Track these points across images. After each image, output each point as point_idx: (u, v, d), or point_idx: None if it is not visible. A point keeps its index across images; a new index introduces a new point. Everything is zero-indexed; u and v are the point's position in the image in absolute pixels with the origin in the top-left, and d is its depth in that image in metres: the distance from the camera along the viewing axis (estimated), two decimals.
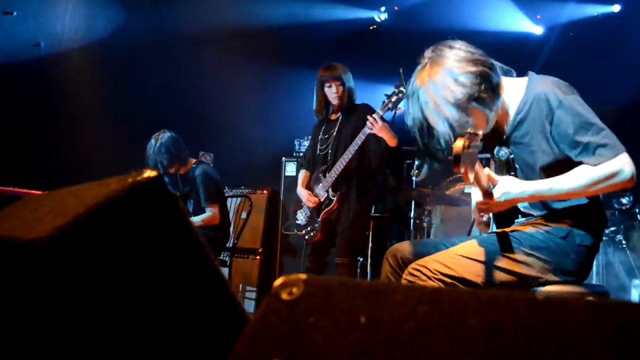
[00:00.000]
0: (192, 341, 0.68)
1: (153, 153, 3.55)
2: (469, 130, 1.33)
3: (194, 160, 3.79)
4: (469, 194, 3.81)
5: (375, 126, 2.88)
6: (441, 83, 1.57)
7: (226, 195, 3.98)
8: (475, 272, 1.59)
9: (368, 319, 0.50)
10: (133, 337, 0.64)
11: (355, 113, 3.14)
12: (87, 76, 4.64)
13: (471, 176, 1.35)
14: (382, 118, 2.88)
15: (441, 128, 1.57)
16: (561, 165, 1.59)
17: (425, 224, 3.69)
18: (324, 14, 5.62)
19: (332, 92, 3.11)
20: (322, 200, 3.12)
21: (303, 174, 3.33)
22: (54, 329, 0.60)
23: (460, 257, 1.61)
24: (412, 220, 3.55)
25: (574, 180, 1.53)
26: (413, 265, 1.62)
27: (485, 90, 1.55)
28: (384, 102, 2.96)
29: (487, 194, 1.58)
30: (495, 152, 1.75)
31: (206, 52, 4.98)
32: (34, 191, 3.22)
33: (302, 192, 3.21)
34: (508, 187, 1.57)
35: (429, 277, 1.57)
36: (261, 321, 0.52)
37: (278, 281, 0.54)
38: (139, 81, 4.56)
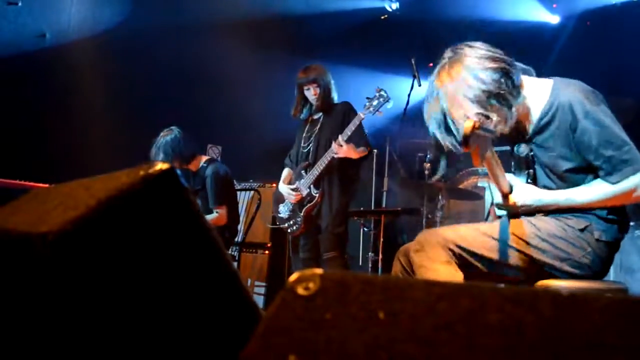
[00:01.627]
0: (205, 337, 0.67)
1: (155, 150, 3.59)
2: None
3: (204, 158, 3.78)
4: (483, 187, 3.78)
5: (340, 151, 3.05)
6: (461, 81, 1.58)
7: (235, 189, 3.97)
8: (489, 249, 1.63)
9: (387, 314, 0.49)
10: (145, 332, 0.63)
11: (334, 112, 3.28)
12: (93, 67, 4.62)
13: (482, 161, 1.38)
14: (345, 142, 3.03)
15: (461, 126, 1.57)
16: (582, 171, 1.63)
17: (437, 219, 3.66)
18: (335, 4, 5.58)
19: (310, 95, 3.26)
20: (304, 195, 3.24)
21: (286, 172, 3.48)
22: (65, 325, 0.59)
23: (477, 231, 1.66)
24: (424, 215, 3.53)
25: (592, 194, 1.60)
26: (429, 231, 1.69)
27: (506, 87, 1.56)
28: (365, 104, 3.09)
29: (506, 196, 1.64)
30: (515, 148, 1.77)
31: (214, 43, 4.95)
32: (40, 184, 3.22)
33: (284, 188, 3.36)
34: (526, 194, 1.63)
35: (441, 246, 1.60)
36: (276, 317, 0.51)
37: (294, 276, 0.53)
38: (145, 72, 4.54)
